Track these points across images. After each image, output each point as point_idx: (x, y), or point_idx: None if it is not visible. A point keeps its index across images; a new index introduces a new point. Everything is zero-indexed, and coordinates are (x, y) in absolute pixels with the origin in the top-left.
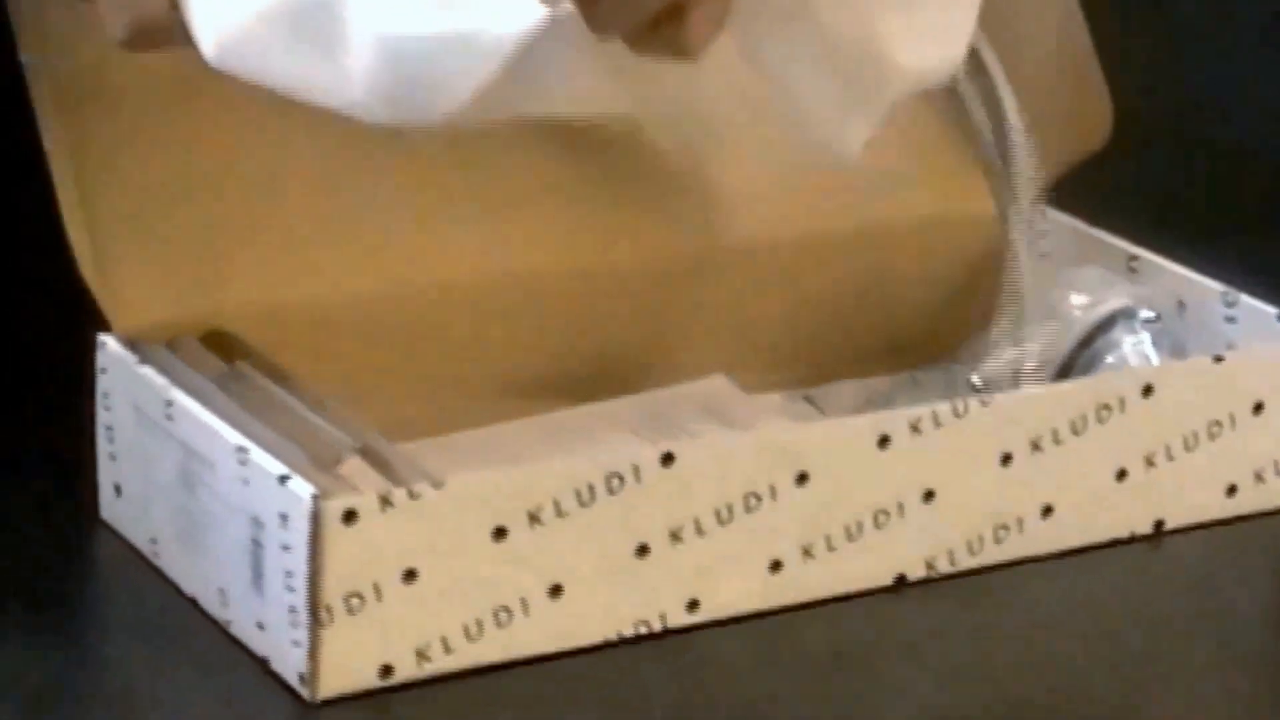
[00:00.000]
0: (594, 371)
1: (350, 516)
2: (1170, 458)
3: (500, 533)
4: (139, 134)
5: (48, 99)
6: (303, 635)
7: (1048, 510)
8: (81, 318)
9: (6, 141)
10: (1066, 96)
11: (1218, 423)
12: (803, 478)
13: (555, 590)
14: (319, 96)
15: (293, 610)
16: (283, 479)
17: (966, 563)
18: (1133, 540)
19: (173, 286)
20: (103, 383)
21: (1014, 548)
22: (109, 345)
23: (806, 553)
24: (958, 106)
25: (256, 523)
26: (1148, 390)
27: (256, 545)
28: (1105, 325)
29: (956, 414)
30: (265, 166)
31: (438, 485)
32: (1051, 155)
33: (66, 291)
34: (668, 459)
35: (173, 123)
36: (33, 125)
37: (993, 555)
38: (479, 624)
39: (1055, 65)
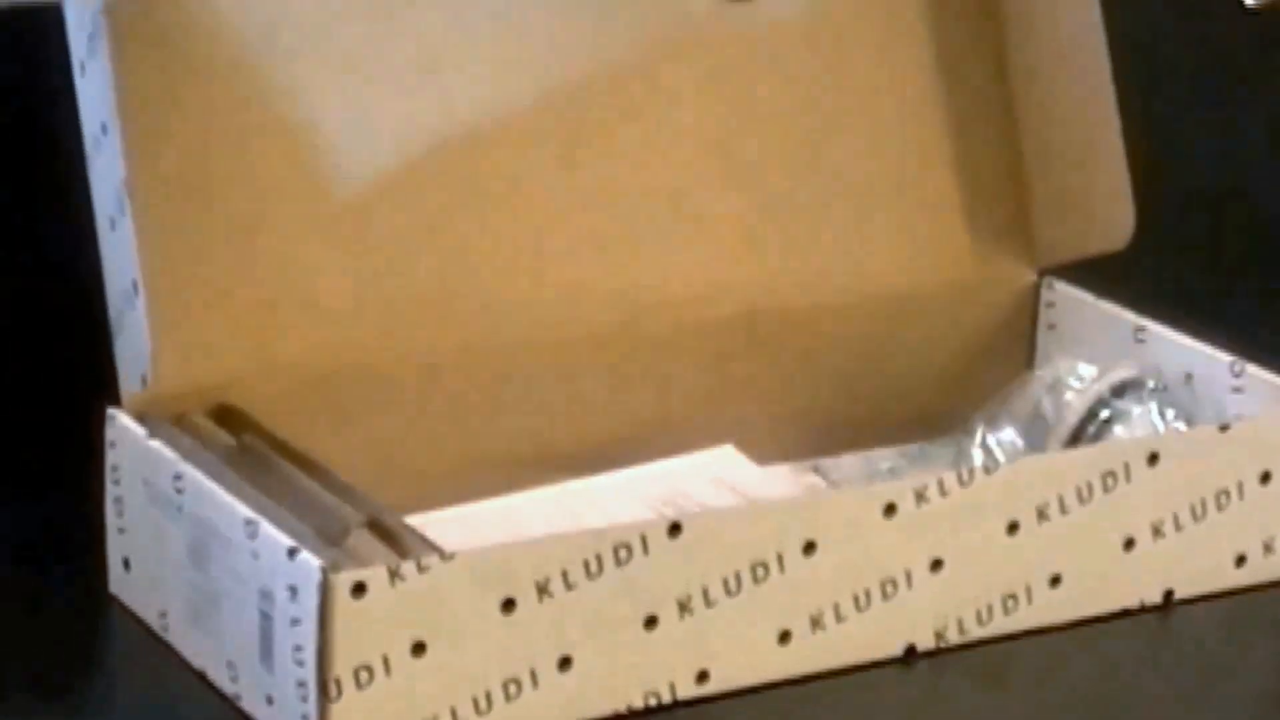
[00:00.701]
0: (602, 442)
1: (359, 589)
2: (1178, 527)
3: (509, 604)
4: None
5: None
6: (312, 710)
7: (1056, 580)
8: (91, 391)
9: (22, 215)
10: (1091, 192)
11: (1225, 492)
12: (810, 547)
13: (564, 662)
14: None
15: (301, 684)
16: (292, 552)
17: (976, 633)
18: (1143, 610)
19: (184, 357)
20: (112, 457)
21: (1023, 618)
22: (118, 419)
23: (815, 623)
24: (969, 178)
25: (266, 596)
26: (1153, 459)
27: (265, 619)
28: (1113, 395)
29: (962, 483)
30: (278, 243)
31: (446, 558)
32: (1069, 245)
33: (76, 363)
34: (675, 529)
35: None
36: (50, 202)
37: (1002, 625)
38: (488, 696)
39: (1084, 160)
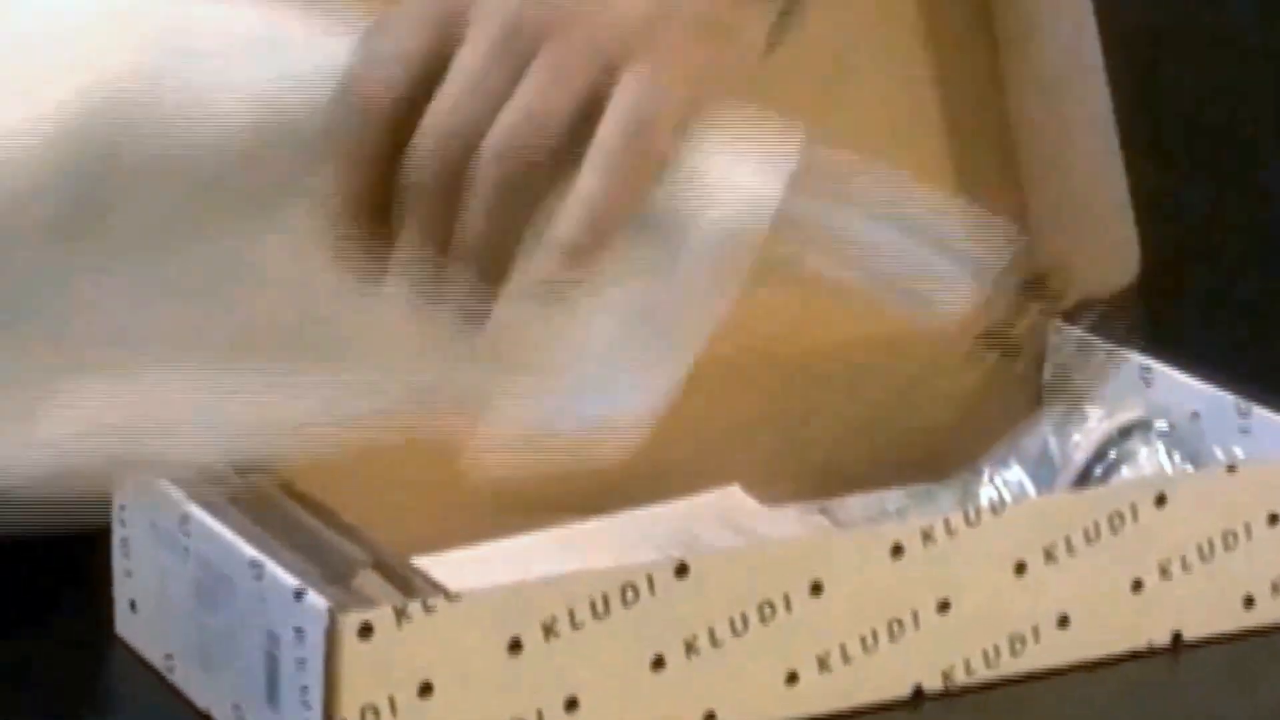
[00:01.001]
0: (609, 483)
1: (366, 630)
2: (1186, 568)
3: (515, 645)
4: None
5: None
6: None
7: (1063, 620)
8: None
9: None
10: (1096, 231)
11: (1233, 533)
12: (817, 588)
13: (571, 703)
14: None
15: None
16: (298, 593)
17: (984, 674)
18: (1151, 652)
19: None
20: (118, 498)
21: (1031, 659)
22: None
23: (823, 664)
24: (971, 219)
25: (272, 637)
26: (1161, 500)
27: (272, 660)
28: (1120, 436)
29: (969, 523)
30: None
31: (452, 598)
32: (1076, 284)
33: None
34: (682, 570)
35: None
36: None
37: (1010, 666)
38: None
39: (1088, 199)
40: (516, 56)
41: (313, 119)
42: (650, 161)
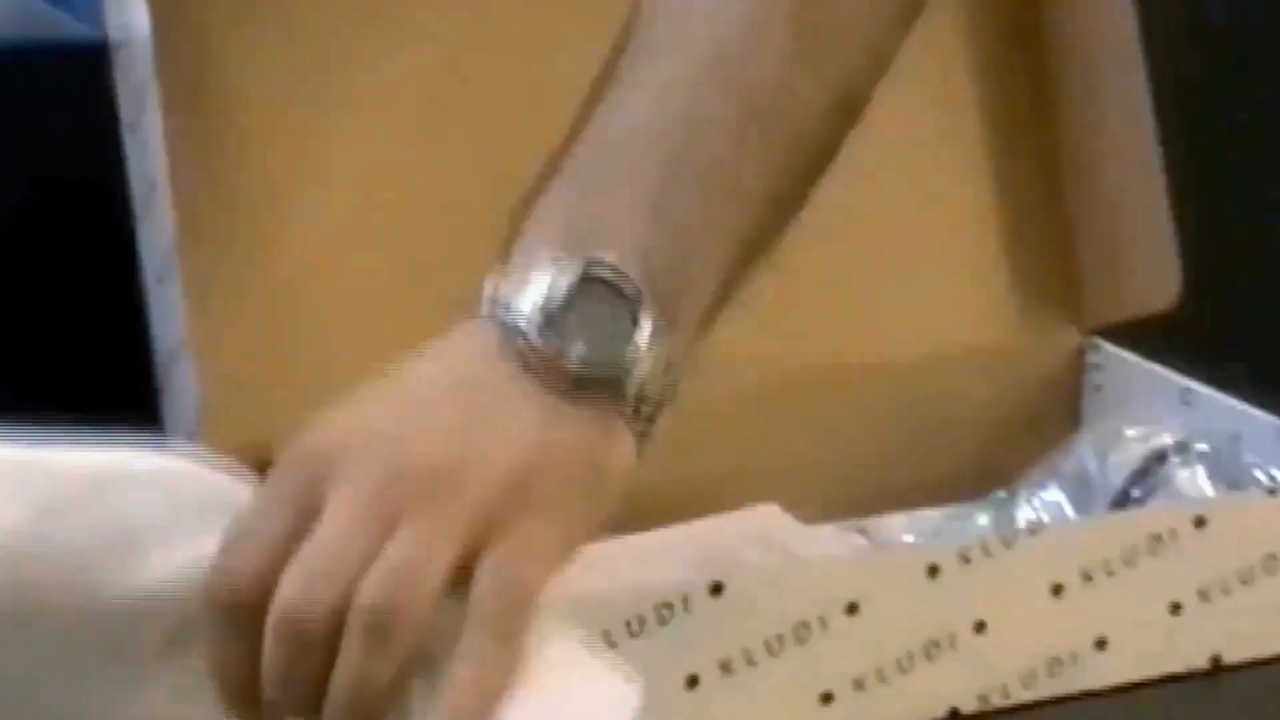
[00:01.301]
0: (645, 500)
1: None
2: (1226, 591)
3: None
4: None
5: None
6: None
7: (1101, 643)
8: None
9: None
10: (1137, 253)
11: (1273, 556)
12: (853, 608)
13: None
14: None
15: None
16: None
17: (1020, 696)
18: (1190, 676)
19: (231, 415)
20: None
21: (1069, 682)
22: None
23: (858, 685)
24: (1014, 240)
25: None
26: (1200, 522)
27: None
28: (1159, 458)
29: (1007, 544)
30: (326, 301)
31: None
32: (1115, 306)
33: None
34: (718, 589)
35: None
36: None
37: (1047, 689)
38: None
39: (1130, 222)
40: (380, 525)
41: (188, 601)
42: (528, 620)
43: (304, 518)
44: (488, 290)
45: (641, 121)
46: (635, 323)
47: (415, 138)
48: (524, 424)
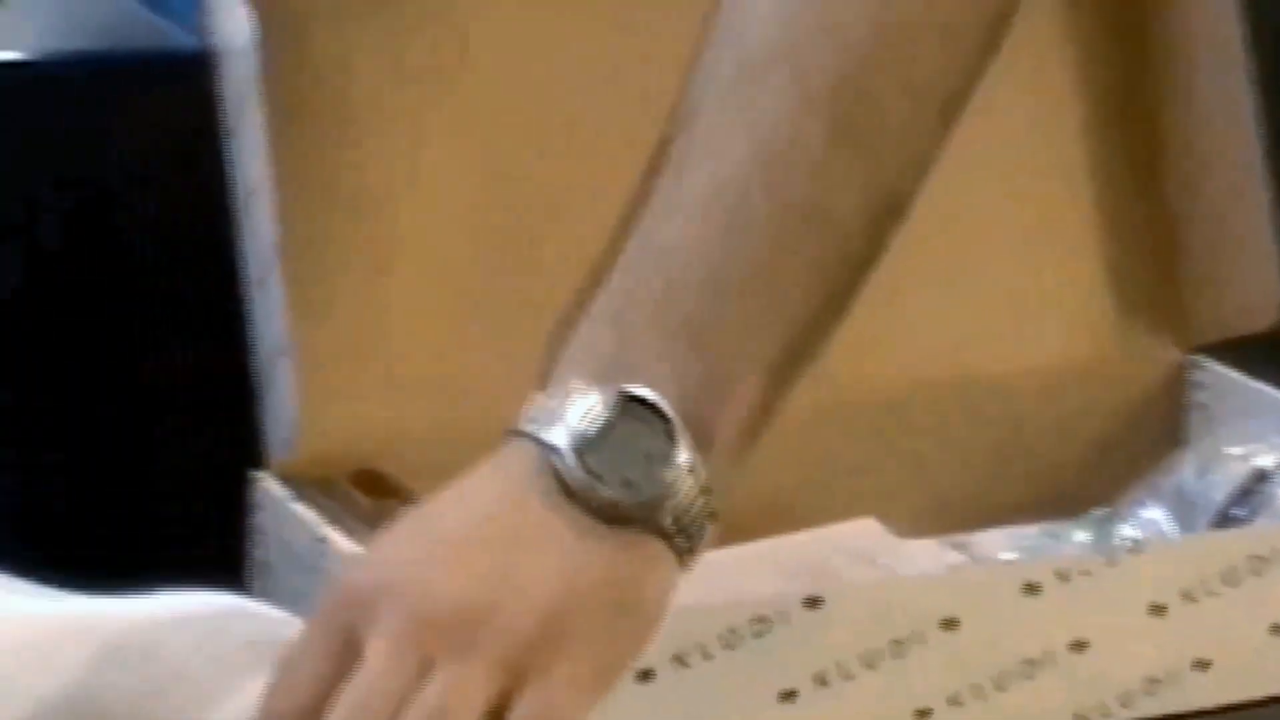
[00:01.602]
0: (743, 512)
1: None
2: None
3: (646, 675)
4: None
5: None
6: None
7: (1202, 664)
8: (235, 453)
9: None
10: (1239, 271)
11: None
12: (950, 624)
13: None
14: None
15: None
16: None
17: (1119, 715)
18: None
19: (329, 420)
20: (255, 520)
21: (1168, 702)
22: (262, 482)
23: (953, 701)
24: (1117, 255)
25: None
26: None
27: None
28: (1261, 477)
29: (1107, 562)
30: (426, 307)
31: None
32: (1218, 324)
33: (221, 425)
34: (814, 602)
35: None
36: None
37: (1146, 709)
38: None
39: (1233, 239)
40: (417, 666)
41: None
42: None
43: (344, 659)
44: (525, 416)
45: (679, 237)
46: (672, 448)
47: (517, 140)
48: (558, 558)
